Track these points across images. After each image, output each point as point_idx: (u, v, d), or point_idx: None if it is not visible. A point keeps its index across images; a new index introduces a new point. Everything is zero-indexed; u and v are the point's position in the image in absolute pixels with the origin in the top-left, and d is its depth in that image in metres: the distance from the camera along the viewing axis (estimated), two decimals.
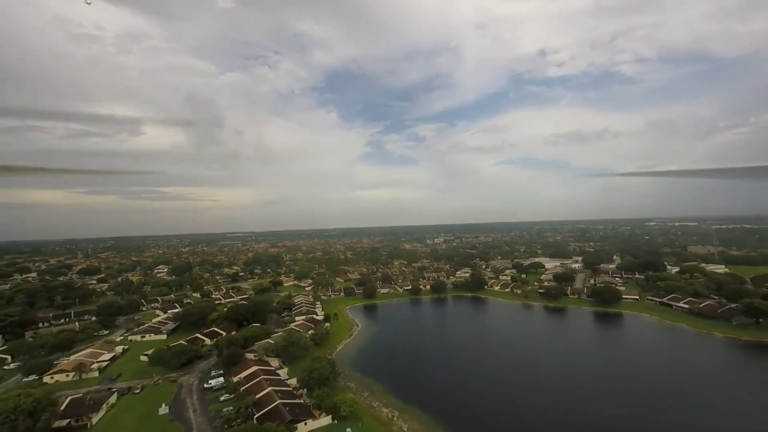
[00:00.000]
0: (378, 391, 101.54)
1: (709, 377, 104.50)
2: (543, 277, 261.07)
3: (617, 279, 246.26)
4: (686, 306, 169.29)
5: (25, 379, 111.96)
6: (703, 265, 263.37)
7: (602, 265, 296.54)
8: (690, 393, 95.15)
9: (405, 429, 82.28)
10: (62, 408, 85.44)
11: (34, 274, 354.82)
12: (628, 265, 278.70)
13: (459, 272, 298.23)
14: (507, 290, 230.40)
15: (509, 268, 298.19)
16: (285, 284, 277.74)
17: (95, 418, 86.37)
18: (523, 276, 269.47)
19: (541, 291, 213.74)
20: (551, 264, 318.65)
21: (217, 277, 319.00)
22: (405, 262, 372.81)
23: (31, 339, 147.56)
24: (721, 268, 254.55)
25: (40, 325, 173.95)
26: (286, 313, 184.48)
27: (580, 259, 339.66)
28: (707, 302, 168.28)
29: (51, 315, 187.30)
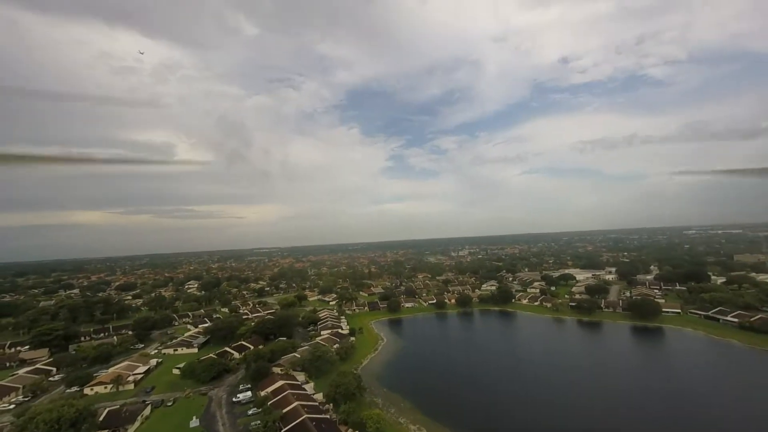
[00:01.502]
0: (405, 408, 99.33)
1: None
2: (574, 289, 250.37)
3: (656, 291, 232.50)
4: (735, 320, 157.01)
5: (68, 390, 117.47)
6: (753, 274, 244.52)
7: (638, 276, 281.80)
8: (752, 417, 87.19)
9: None
10: (101, 419, 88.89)
11: (76, 291, 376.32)
12: (667, 275, 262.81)
13: (485, 285, 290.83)
14: (536, 303, 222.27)
15: (537, 281, 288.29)
16: (310, 299, 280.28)
17: (131, 430, 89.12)
18: (553, 288, 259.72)
19: (573, 304, 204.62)
20: (582, 275, 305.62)
21: (244, 292, 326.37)
22: (429, 276, 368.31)
23: (74, 352, 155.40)
24: None
25: (82, 338, 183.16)
26: (311, 328, 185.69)
27: (613, 270, 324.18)
28: (760, 315, 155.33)
29: (92, 329, 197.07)
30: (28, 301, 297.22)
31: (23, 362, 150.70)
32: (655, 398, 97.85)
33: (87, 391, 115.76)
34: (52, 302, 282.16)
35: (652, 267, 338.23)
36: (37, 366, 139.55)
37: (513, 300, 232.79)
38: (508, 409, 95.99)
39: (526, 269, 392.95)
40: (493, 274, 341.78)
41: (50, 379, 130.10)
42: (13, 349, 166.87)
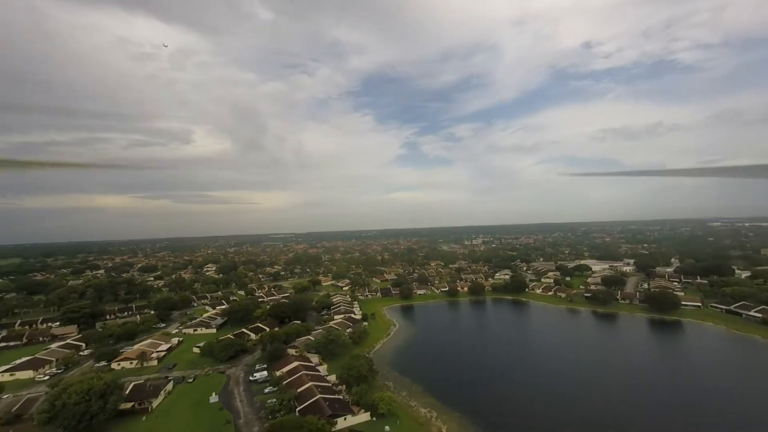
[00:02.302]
0: (415, 392, 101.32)
1: None
2: (590, 280, 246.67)
3: (675, 284, 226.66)
4: (759, 315, 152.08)
5: (96, 365, 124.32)
6: None
7: (657, 269, 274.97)
8: None
9: (444, 430, 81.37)
10: (127, 392, 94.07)
11: (102, 271, 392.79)
12: (688, 268, 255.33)
13: (498, 274, 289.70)
14: (550, 293, 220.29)
15: (552, 271, 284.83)
16: (324, 284, 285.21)
17: (155, 403, 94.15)
18: (568, 279, 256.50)
19: (588, 295, 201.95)
20: (599, 267, 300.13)
21: (260, 276, 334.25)
22: (442, 263, 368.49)
23: (100, 329, 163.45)
24: None
25: (108, 317, 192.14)
26: (325, 312, 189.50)
27: (631, 261, 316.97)
28: None
29: (117, 308, 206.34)
30: (57, 280, 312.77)
31: (54, 337, 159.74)
32: (672, 393, 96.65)
33: (114, 366, 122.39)
34: (80, 282, 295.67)
35: (672, 259, 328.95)
36: (68, 341, 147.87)
37: (526, 290, 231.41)
38: (518, 397, 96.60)
39: (541, 259, 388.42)
40: (506, 264, 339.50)
41: (80, 353, 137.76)
42: (45, 325, 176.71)
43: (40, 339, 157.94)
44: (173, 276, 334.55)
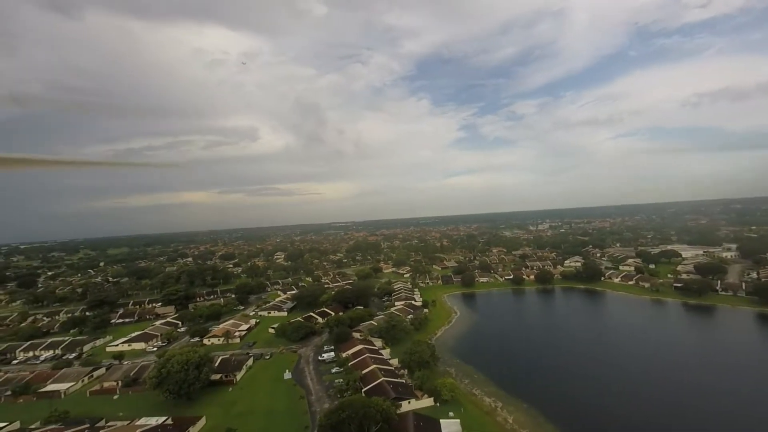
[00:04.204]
0: (479, 380, 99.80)
1: None
2: (680, 268, 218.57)
3: None
4: None
5: (191, 340, 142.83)
6: None
7: None
8: None
9: (510, 420, 79.37)
10: (216, 365, 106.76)
11: (190, 259, 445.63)
12: None
13: (568, 261, 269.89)
14: (630, 282, 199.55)
15: (632, 257, 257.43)
16: (384, 271, 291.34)
17: (239, 376, 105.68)
18: (652, 266, 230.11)
19: (678, 285, 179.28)
20: (691, 252, 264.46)
21: (325, 264, 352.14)
22: (504, 250, 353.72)
23: (192, 310, 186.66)
24: None
25: (197, 299, 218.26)
26: (386, 298, 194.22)
27: (734, 247, 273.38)
28: None
29: (204, 292, 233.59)
30: (157, 267, 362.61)
31: (158, 316, 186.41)
32: None
33: (205, 341, 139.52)
34: (174, 268, 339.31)
35: None
36: (168, 320, 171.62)
37: (602, 278, 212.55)
38: (588, 393, 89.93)
39: (618, 245, 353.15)
40: (577, 250, 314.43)
41: (178, 330, 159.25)
42: (150, 305, 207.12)
43: (147, 317, 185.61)
44: (249, 263, 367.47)
